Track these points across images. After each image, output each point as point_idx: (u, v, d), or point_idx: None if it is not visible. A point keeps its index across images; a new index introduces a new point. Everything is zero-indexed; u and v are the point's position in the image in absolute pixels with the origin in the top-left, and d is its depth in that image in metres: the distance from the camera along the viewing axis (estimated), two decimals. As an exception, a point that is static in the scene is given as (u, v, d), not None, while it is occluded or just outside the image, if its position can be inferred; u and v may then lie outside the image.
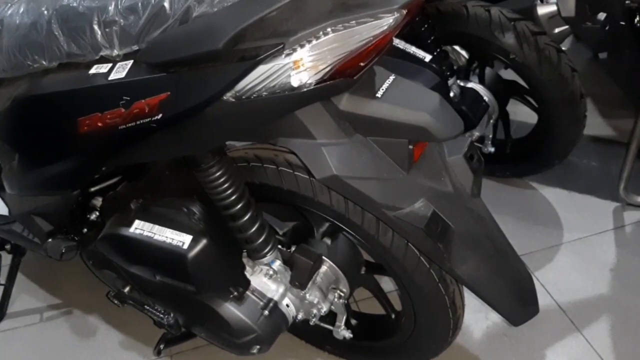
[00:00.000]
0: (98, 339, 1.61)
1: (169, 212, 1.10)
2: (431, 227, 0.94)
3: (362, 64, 0.85)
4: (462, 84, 1.79)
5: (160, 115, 0.90)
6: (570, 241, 1.82)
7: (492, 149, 1.93)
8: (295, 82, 0.83)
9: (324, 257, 1.21)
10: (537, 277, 1.69)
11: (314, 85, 0.84)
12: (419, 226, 0.94)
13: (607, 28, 1.39)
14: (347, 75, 0.86)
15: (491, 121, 1.87)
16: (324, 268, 1.22)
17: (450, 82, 1.73)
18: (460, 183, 1.03)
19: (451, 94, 1.75)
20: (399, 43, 1.66)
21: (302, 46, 0.82)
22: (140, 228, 1.09)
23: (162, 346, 1.30)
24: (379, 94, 0.92)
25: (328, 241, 1.22)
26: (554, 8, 1.51)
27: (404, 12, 0.82)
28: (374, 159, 0.94)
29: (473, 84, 1.80)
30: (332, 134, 0.92)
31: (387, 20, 0.81)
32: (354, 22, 0.81)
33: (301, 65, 0.83)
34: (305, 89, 0.84)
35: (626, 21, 1.44)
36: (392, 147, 0.95)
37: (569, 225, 1.88)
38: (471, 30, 1.66)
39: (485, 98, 1.80)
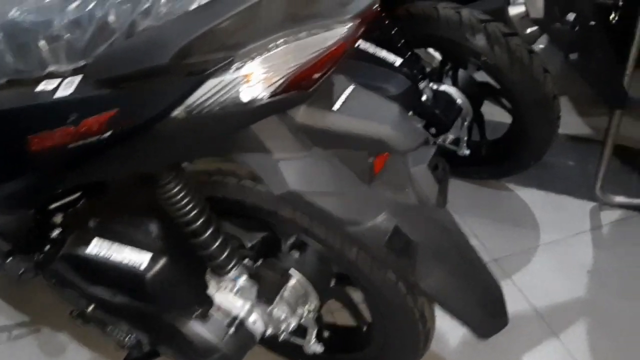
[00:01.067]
0: (67, 358, 1.57)
1: (128, 230, 1.06)
2: (393, 242, 0.92)
3: (316, 76, 0.82)
4: (435, 87, 1.77)
5: (109, 133, 0.87)
6: (547, 243, 1.80)
7: (467, 152, 1.91)
8: (246, 97, 0.80)
9: (292, 270, 1.18)
10: (514, 281, 1.68)
11: (267, 99, 0.81)
12: (380, 241, 0.91)
13: (576, 29, 1.37)
14: (302, 88, 0.83)
15: (465, 123, 1.85)
16: (292, 282, 1.18)
17: (422, 85, 1.71)
18: (424, 194, 1.00)
19: (423, 97, 1.73)
20: (369, 47, 1.64)
21: (252, 59, 0.79)
22: (98, 247, 1.06)
23: (128, 366, 1.27)
24: (336, 106, 0.90)
25: (296, 254, 1.19)
26: (524, 8, 1.48)
27: (358, 21, 0.79)
28: (333, 173, 0.91)
29: (446, 87, 1.78)
30: (289, 148, 0.90)
31: (340, 31, 0.78)
32: (305, 33, 0.78)
33: (252, 78, 0.80)
34: (257, 103, 0.81)
35: (597, 20, 1.42)
36: (353, 160, 0.92)
37: (545, 226, 1.86)
38: (442, 33, 1.64)
39: (459, 101, 1.78)
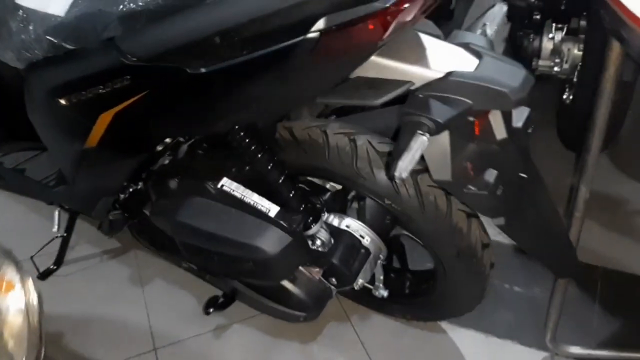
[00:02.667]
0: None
1: None
2: None
3: None
4: (334, 222, 1.37)
5: None
6: None
7: (384, 293, 1.51)
8: None
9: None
10: None
11: None
12: None
13: (499, 192, 0.98)
14: None
15: (379, 262, 1.45)
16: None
17: (314, 229, 1.30)
18: None
19: (318, 242, 1.33)
20: (235, 189, 1.24)
21: None
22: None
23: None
24: None
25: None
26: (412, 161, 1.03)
27: None
28: None
29: (349, 221, 1.37)
30: None
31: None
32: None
33: None
34: None
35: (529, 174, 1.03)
36: None
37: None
38: (333, 166, 1.23)
39: (365, 240, 1.37)
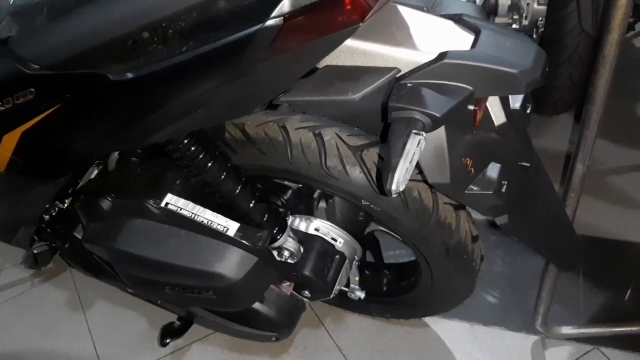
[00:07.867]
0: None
1: None
2: None
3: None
4: (302, 226, 1.20)
5: None
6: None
7: (361, 295, 1.35)
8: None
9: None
10: None
11: None
12: None
13: (504, 190, 0.83)
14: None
15: (355, 263, 1.29)
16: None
17: (281, 240, 1.13)
18: None
19: (285, 254, 1.15)
20: (183, 207, 1.03)
21: None
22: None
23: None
24: None
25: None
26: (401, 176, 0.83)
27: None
28: None
29: (318, 223, 1.21)
30: None
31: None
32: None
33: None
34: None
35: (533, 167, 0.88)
36: None
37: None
38: (298, 168, 1.05)
39: (340, 242, 1.21)
